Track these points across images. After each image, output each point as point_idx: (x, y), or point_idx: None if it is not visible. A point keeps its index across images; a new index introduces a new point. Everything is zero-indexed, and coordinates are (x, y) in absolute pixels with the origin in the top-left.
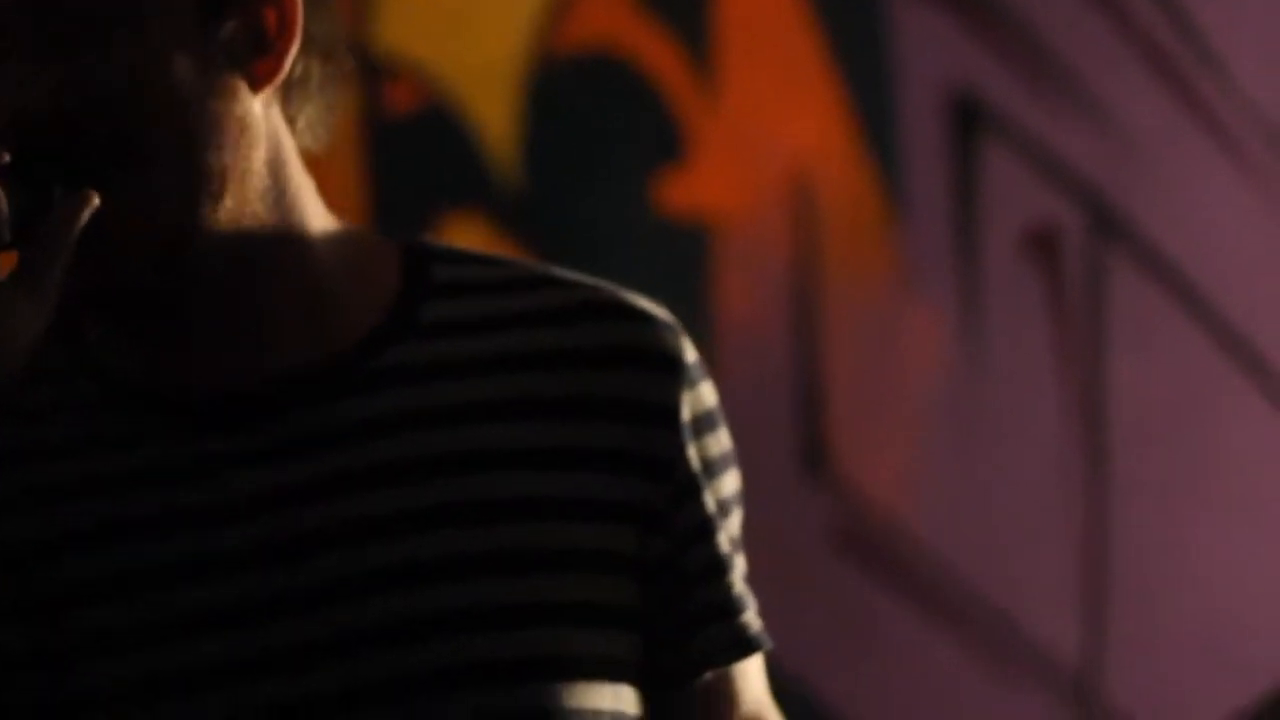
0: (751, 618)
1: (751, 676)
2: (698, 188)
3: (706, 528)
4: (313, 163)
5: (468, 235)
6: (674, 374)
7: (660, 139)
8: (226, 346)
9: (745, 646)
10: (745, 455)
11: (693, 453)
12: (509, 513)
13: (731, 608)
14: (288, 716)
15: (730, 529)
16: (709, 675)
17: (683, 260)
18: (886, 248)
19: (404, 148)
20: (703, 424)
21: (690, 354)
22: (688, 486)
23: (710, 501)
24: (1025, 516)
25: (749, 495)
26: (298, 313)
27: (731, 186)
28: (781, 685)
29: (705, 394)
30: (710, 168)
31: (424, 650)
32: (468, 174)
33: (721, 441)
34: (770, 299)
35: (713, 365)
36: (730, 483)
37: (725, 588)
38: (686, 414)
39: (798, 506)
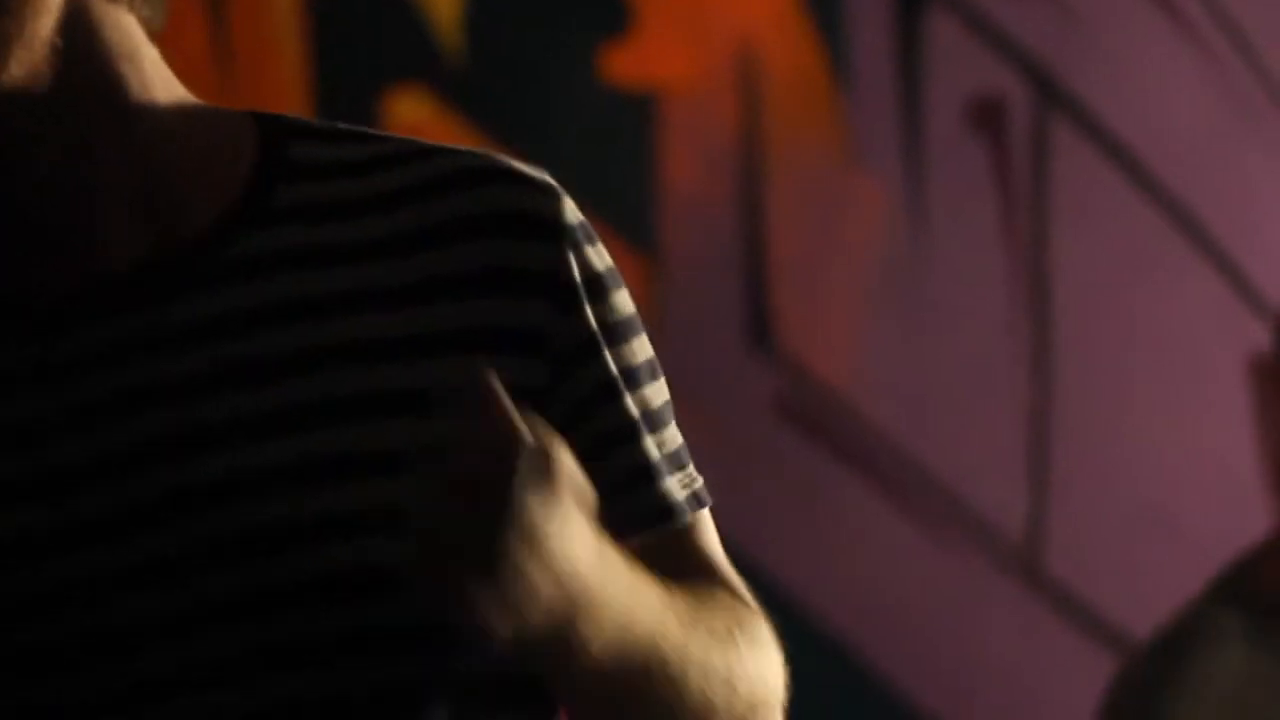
0: (673, 485)
1: (697, 537)
2: (643, 59)
3: (611, 391)
4: (253, 36)
5: (412, 110)
6: (555, 238)
7: (606, 11)
8: (56, 242)
9: (663, 514)
10: (690, 328)
11: (587, 317)
12: (364, 411)
13: (646, 474)
14: (129, 634)
15: (646, 398)
16: (642, 539)
17: (628, 132)
18: (832, 120)
19: (347, 22)
20: (596, 288)
21: (573, 216)
22: (579, 353)
23: (612, 366)
24: (970, 388)
25: (694, 369)
26: (134, 199)
27: (677, 58)
28: (728, 556)
29: (594, 257)
30: (656, 40)
31: (276, 562)
32: (412, 48)
33: (621, 306)
34: (715, 171)
35: (658, 237)
36: (639, 350)
37: (636, 454)
38: (574, 278)
39: (743, 380)
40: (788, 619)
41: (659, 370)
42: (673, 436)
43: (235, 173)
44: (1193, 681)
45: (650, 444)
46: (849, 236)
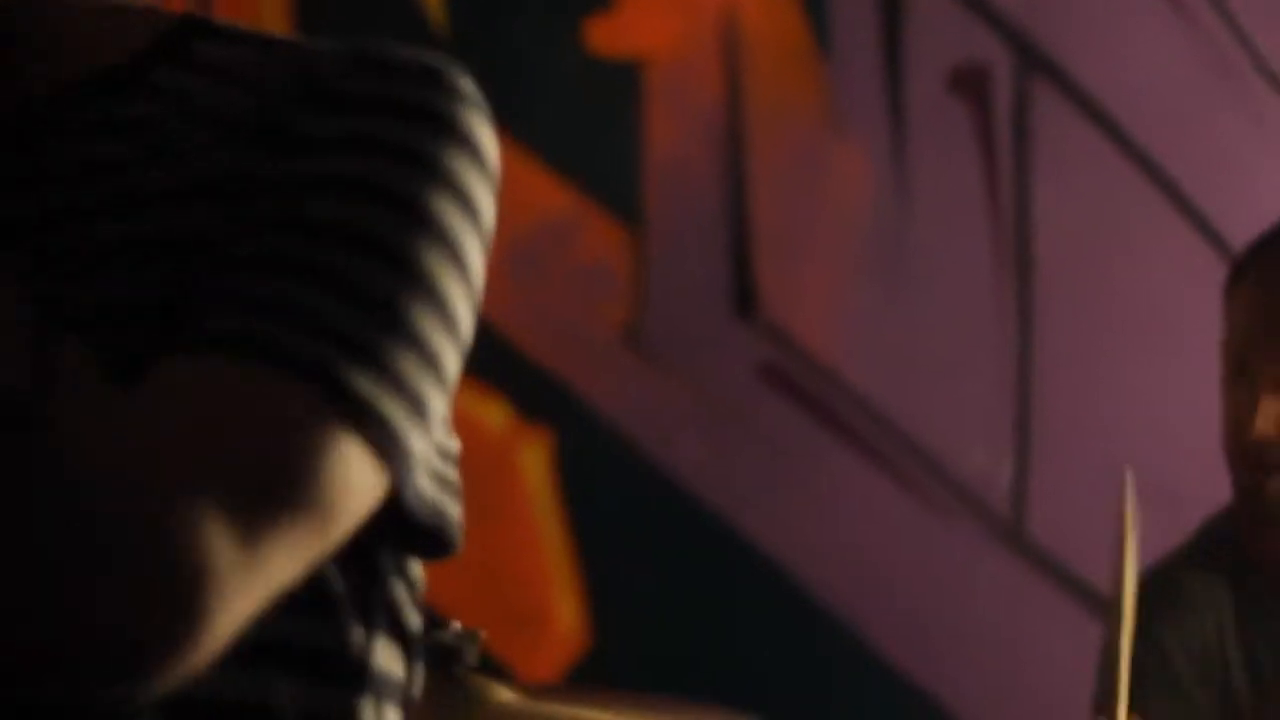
0: (255, 326)
1: (196, 374)
2: (627, 30)
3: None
4: (237, 9)
5: None
6: (421, 116)
7: None
8: None
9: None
10: (675, 296)
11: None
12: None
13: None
14: None
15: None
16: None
17: (613, 102)
18: (815, 87)
19: None
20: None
21: (449, 105)
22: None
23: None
24: (954, 353)
25: (679, 336)
26: (34, 44)
27: (660, 28)
28: (714, 522)
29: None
30: (639, 10)
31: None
32: (397, 20)
33: (425, 143)
34: (699, 140)
35: (642, 206)
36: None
37: (255, 280)
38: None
39: (728, 347)
40: (773, 586)
41: (377, 252)
42: (321, 307)
43: (122, 50)
44: (1171, 642)
45: (264, 284)
46: (832, 203)
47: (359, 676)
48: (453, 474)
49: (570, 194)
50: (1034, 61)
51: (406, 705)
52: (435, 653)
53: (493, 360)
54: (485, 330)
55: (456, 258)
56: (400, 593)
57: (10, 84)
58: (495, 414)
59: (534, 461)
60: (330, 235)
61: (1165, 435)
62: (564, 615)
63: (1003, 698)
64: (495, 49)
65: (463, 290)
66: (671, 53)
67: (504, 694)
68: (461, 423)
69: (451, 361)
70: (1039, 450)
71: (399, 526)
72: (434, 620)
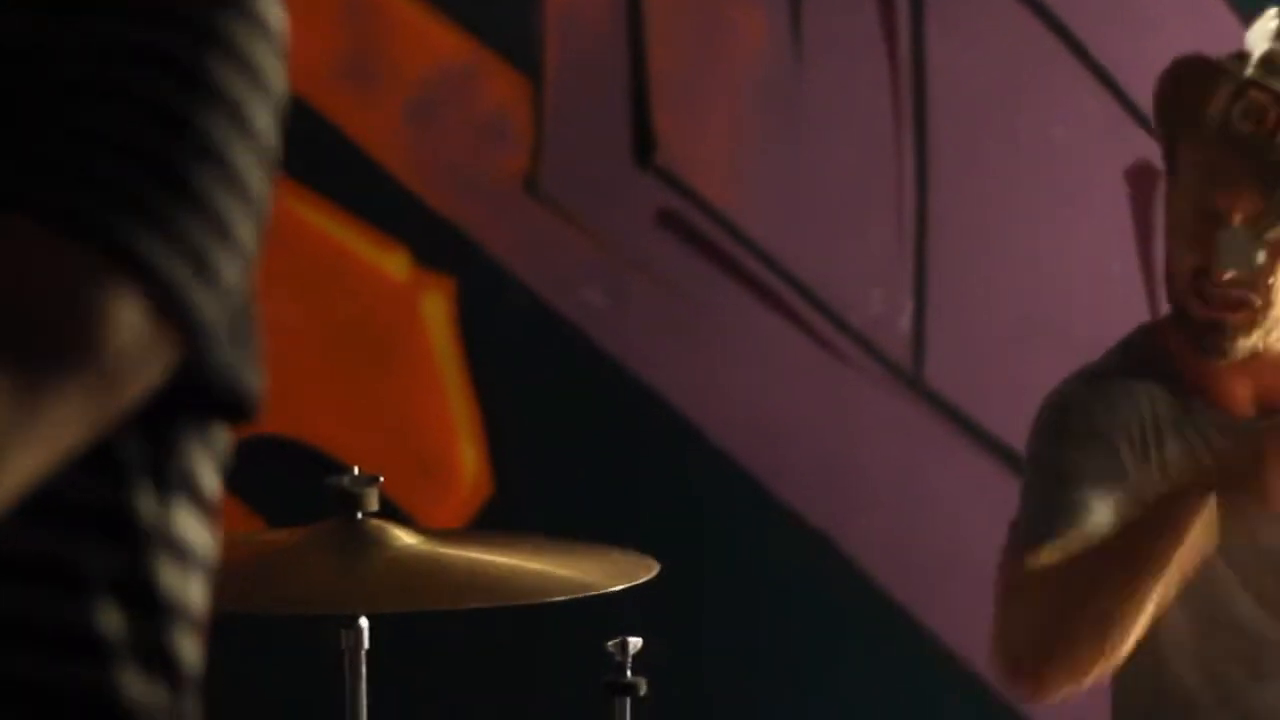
0: (33, 185)
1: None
2: None
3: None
4: None
5: None
6: None
7: None
8: None
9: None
10: (574, 146)
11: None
12: None
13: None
14: None
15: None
16: None
17: None
18: None
19: None
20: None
21: None
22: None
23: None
24: (851, 200)
25: (578, 186)
26: None
27: None
28: (613, 368)
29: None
30: None
31: None
32: None
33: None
34: None
35: (540, 57)
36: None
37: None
38: None
39: (627, 196)
40: (671, 430)
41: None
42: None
43: None
44: (1107, 402)
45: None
46: (730, 52)
47: (155, 541)
48: (256, 339)
49: (468, 43)
50: None
51: (207, 570)
52: (336, 498)
53: (393, 210)
54: (385, 179)
55: (238, 120)
56: (200, 460)
57: None
58: (396, 263)
59: (434, 309)
60: (109, 99)
61: (1064, 281)
62: (466, 462)
63: (902, 539)
64: None
65: (250, 154)
66: None
67: (405, 538)
68: (362, 271)
69: (243, 225)
70: (936, 297)
71: (197, 390)
72: (334, 466)
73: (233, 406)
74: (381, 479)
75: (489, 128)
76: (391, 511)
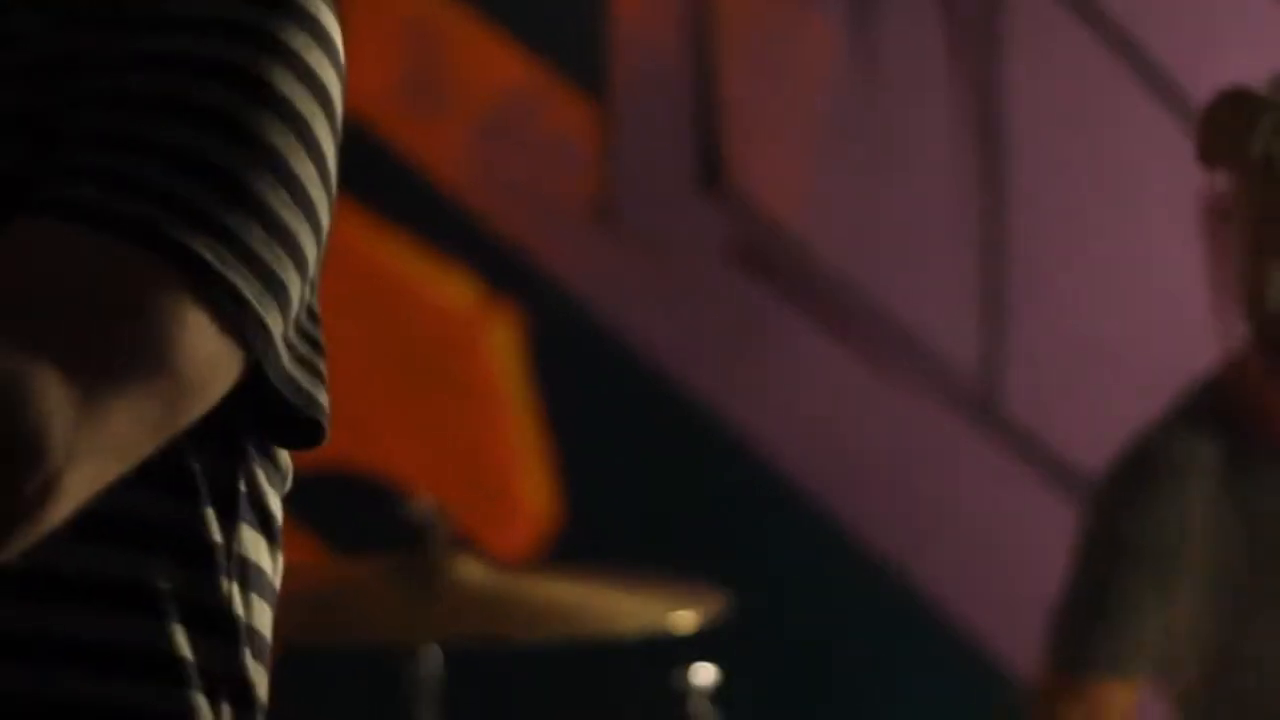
0: (90, 195)
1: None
2: None
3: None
4: None
5: None
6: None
7: None
8: None
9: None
10: (641, 169)
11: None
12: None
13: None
14: None
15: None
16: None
17: None
18: None
19: None
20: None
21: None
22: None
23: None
24: (923, 228)
25: (645, 210)
26: None
27: None
28: (681, 395)
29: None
30: None
31: None
32: None
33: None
34: (665, 14)
35: (607, 79)
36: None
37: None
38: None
39: (694, 222)
40: (741, 460)
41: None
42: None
43: None
44: (1161, 507)
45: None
46: (799, 76)
47: (221, 560)
48: (320, 363)
49: (534, 65)
50: None
51: (273, 596)
52: (404, 528)
53: (459, 234)
54: (451, 203)
55: (306, 140)
56: (265, 484)
57: None
58: (462, 288)
59: (501, 335)
60: (167, 108)
61: (1142, 312)
62: (532, 491)
63: (975, 572)
64: None
65: (314, 174)
66: None
67: (474, 569)
68: (428, 296)
69: (306, 241)
70: (1010, 325)
71: (264, 411)
72: (401, 495)
73: (299, 429)
74: (449, 509)
75: (555, 151)
76: (459, 542)
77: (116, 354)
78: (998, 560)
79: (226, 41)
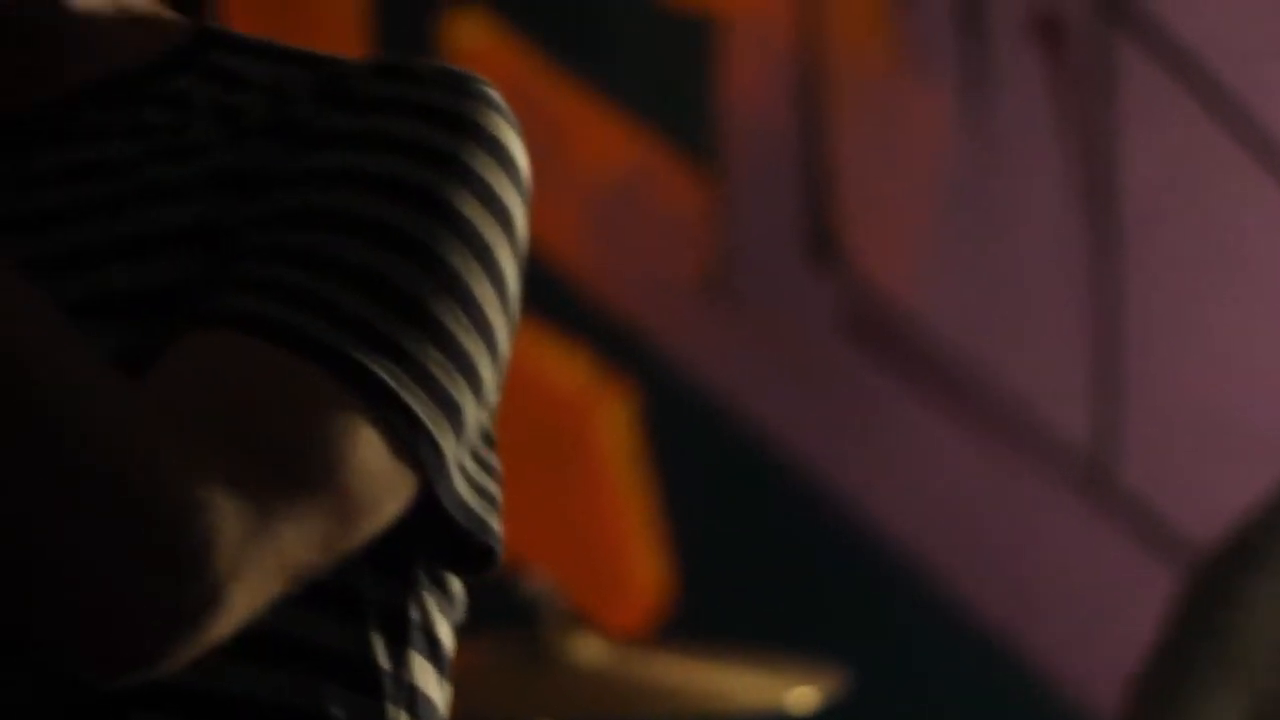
0: (269, 309)
1: (219, 351)
2: None
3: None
4: None
5: (470, 32)
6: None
7: None
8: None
9: (230, 319)
10: (753, 243)
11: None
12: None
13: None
14: None
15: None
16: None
17: (687, 51)
18: (891, 31)
19: None
20: (425, 110)
21: (477, 110)
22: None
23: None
24: (1035, 300)
25: (757, 283)
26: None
27: None
28: (795, 470)
29: (465, 105)
30: None
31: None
32: None
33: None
34: (775, 87)
35: (719, 153)
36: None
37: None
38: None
39: (807, 294)
40: (855, 535)
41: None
42: (345, 300)
43: (139, 57)
44: (1259, 601)
45: (281, 272)
46: (910, 149)
47: (390, 687)
48: (495, 489)
49: (647, 142)
50: (1111, 4)
51: None
52: (517, 605)
53: (572, 309)
54: (563, 280)
55: (487, 264)
56: (436, 612)
57: (26, 85)
58: (574, 363)
59: (614, 411)
60: (353, 228)
61: (1259, 386)
62: (646, 567)
63: (1088, 644)
64: (572, 1)
65: (494, 298)
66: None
67: (589, 647)
68: (541, 372)
69: (483, 365)
70: (1123, 395)
71: (436, 536)
72: (513, 573)
73: (471, 555)
74: (563, 586)
75: (667, 226)
76: (573, 619)
77: (288, 470)
78: (1111, 633)
79: (408, 161)
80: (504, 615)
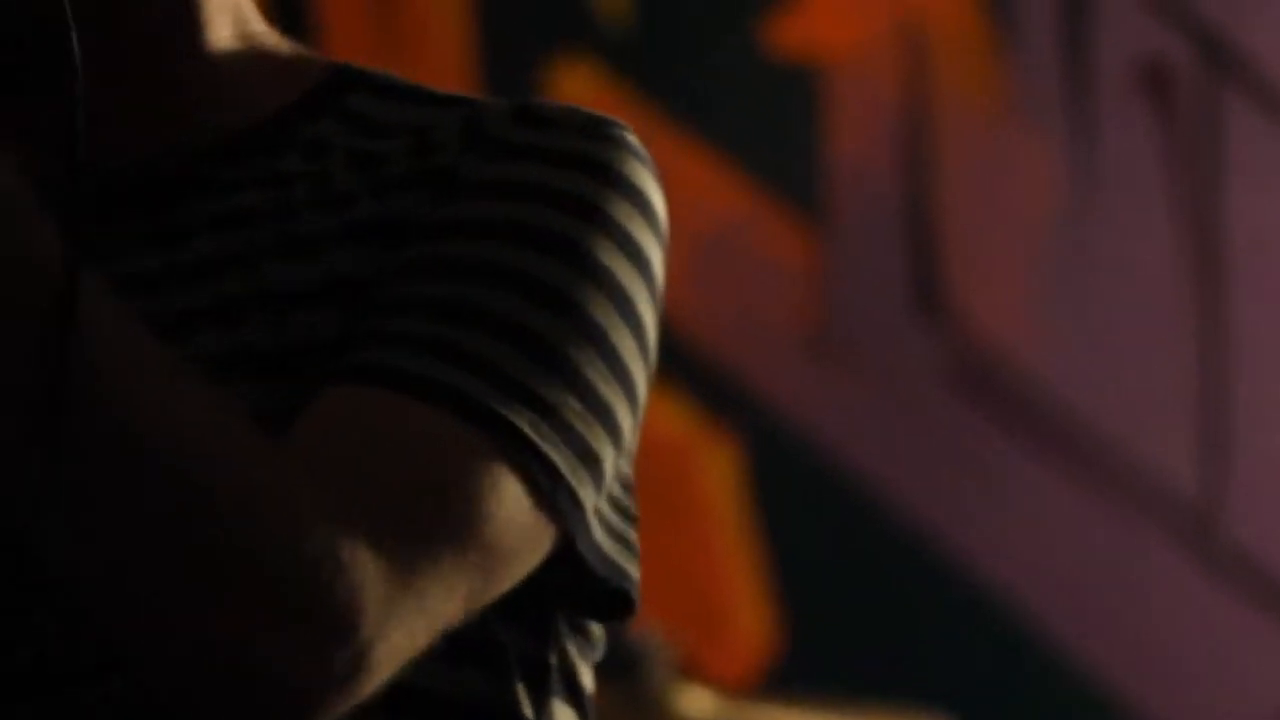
0: (409, 362)
1: (360, 408)
2: (807, 28)
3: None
4: (416, 4)
5: (577, 79)
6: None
7: None
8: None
9: (364, 375)
10: (858, 294)
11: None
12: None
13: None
14: None
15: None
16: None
17: (792, 102)
18: (997, 82)
19: None
20: (561, 157)
21: (617, 157)
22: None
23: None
24: (1142, 350)
25: (862, 334)
26: (158, 100)
27: (840, 25)
28: (900, 522)
29: (609, 153)
30: (819, 7)
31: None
32: (577, 17)
33: (575, 183)
34: (880, 138)
35: (824, 204)
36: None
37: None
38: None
39: (912, 346)
40: (962, 588)
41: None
42: (489, 349)
43: (275, 102)
44: None
45: (423, 323)
46: (1016, 199)
47: None
48: (634, 535)
49: (752, 192)
50: (1222, 55)
51: None
52: (624, 656)
53: (676, 360)
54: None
55: (626, 313)
56: (578, 659)
57: (161, 129)
58: (679, 414)
59: (719, 461)
60: (492, 278)
61: None
62: (752, 618)
63: (1197, 700)
64: (678, 47)
65: (634, 347)
66: (853, 48)
67: (695, 697)
68: (648, 421)
69: (622, 414)
70: (1231, 450)
71: (575, 585)
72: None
73: (609, 602)
74: (670, 636)
75: (772, 276)
76: (681, 670)
77: (430, 525)
78: (1219, 689)
79: (549, 210)
80: (611, 666)
